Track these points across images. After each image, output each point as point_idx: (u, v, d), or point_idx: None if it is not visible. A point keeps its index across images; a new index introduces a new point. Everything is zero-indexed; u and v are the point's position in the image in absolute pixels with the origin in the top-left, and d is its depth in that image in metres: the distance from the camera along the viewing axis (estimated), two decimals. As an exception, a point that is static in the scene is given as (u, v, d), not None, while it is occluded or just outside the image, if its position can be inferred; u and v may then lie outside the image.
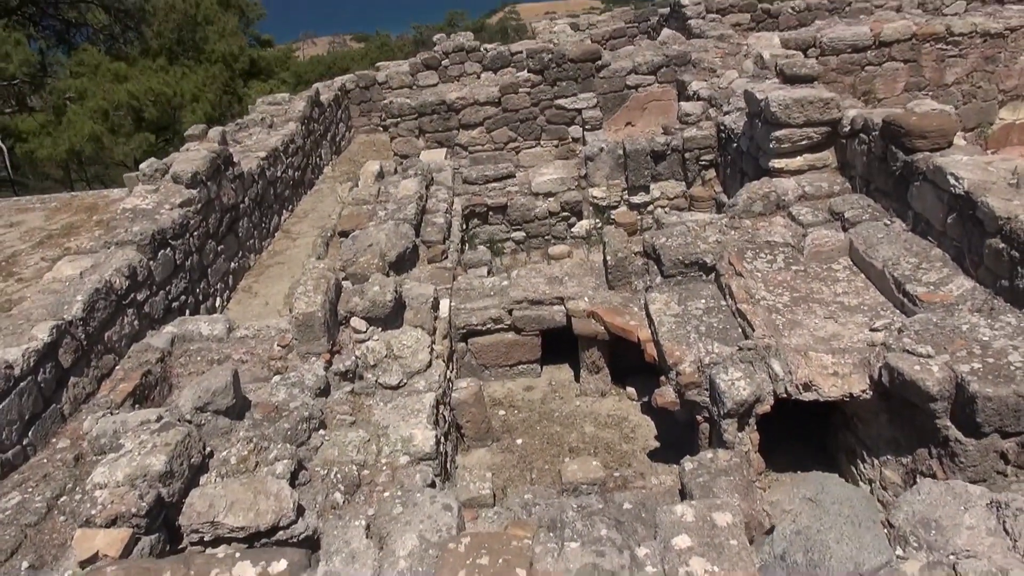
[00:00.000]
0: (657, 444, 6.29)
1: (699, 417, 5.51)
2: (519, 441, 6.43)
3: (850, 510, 2.42)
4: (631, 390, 6.88)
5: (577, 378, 7.13)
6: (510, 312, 7.02)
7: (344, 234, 7.90)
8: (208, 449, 4.73)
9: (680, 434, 6.19)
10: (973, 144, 10.69)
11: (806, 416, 5.80)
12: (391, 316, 6.26)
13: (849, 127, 7.05)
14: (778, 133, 7.26)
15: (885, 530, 2.88)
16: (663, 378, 5.73)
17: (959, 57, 10.52)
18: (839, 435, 5.67)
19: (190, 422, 4.85)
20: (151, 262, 6.65)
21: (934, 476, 4.70)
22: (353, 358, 5.98)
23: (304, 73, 24.51)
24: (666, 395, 5.61)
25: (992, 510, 2.22)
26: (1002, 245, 5.05)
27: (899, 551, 2.57)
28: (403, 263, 7.45)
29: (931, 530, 2.12)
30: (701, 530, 3.25)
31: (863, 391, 4.97)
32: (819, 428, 5.95)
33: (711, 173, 9.36)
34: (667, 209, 9.53)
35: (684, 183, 9.49)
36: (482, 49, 14.20)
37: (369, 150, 13.88)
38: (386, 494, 4.95)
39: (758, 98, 7.57)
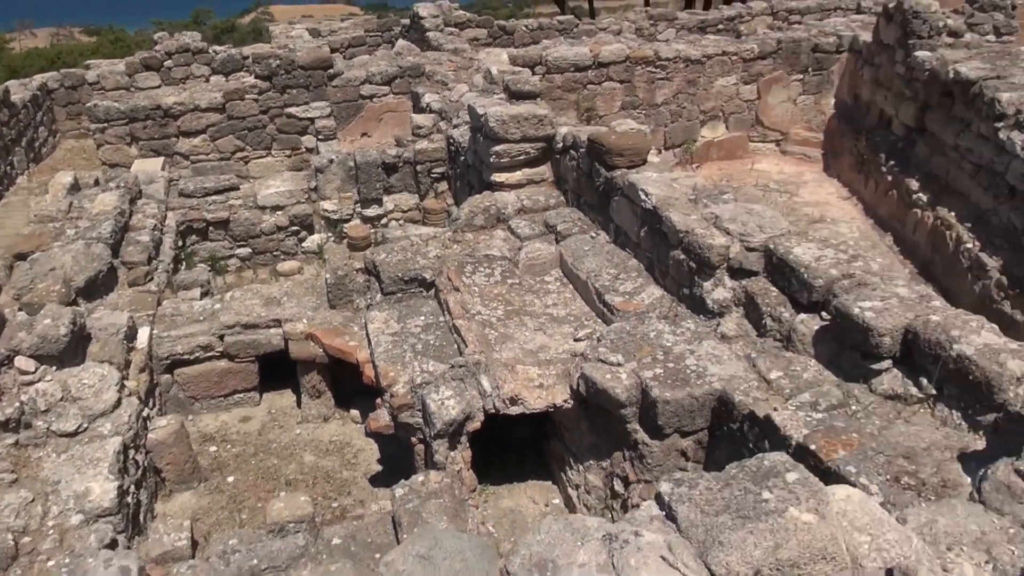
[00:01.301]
0: (380, 468, 6.08)
1: (414, 439, 5.39)
2: (230, 479, 5.92)
3: (462, 563, 2.35)
4: (355, 413, 6.62)
5: (299, 404, 6.74)
6: (221, 338, 6.46)
7: (22, 257, 6.85)
8: None
9: (404, 455, 6.04)
10: (673, 160, 11.73)
11: (532, 426, 5.91)
12: (69, 351, 5.47)
13: (561, 143, 7.34)
14: (497, 148, 7.39)
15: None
16: (379, 400, 5.54)
17: (666, 80, 11.50)
18: (550, 444, 5.83)
19: None
20: None
21: (627, 478, 4.95)
22: (17, 404, 5.13)
23: (21, 67, 21.53)
24: (380, 419, 5.42)
25: (605, 543, 2.25)
26: (682, 256, 5.46)
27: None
28: (95, 288, 6.60)
29: (547, 571, 2.09)
30: None
31: (565, 401, 5.12)
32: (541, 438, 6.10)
33: (443, 186, 9.39)
34: (401, 222, 9.42)
35: (418, 195, 9.43)
36: (211, 51, 13.25)
37: (78, 157, 12.37)
38: (50, 563, 4.28)
39: (479, 113, 7.67)
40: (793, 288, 4.88)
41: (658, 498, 2.84)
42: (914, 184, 9.39)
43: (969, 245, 8.07)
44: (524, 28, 14.48)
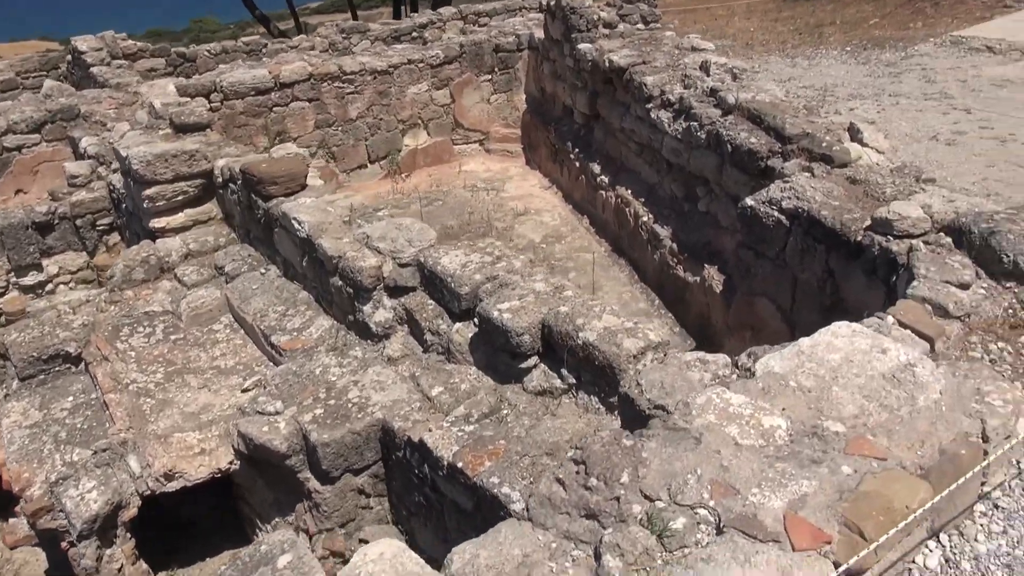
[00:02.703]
0: (47, 581, 5.23)
1: (64, 544, 4.65)
2: None
3: None
4: (14, 522, 5.66)
5: (-61, 527, 5.64)
6: None
7: None
8: None
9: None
10: (381, 172, 11.55)
11: (221, 490, 5.36)
12: None
13: (220, 177, 6.81)
14: (149, 192, 6.69)
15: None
16: (17, 508, 4.73)
17: (357, 93, 11.27)
18: (240, 506, 5.35)
19: None
20: None
21: (308, 531, 4.62)
22: None
23: None
24: (17, 530, 4.65)
25: None
26: (340, 282, 5.21)
27: None
28: None
29: None
30: None
31: (231, 463, 4.67)
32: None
33: (115, 238, 8.44)
34: (72, 284, 8.35)
35: (86, 253, 8.39)
36: None
37: None
38: None
39: (123, 155, 6.91)
40: (446, 299, 4.81)
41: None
42: (596, 167, 9.96)
43: (645, 219, 8.66)
44: (207, 53, 13.56)
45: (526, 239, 9.92)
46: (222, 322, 5.96)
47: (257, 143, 10.73)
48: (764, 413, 2.40)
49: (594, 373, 3.99)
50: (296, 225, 5.53)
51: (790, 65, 11.22)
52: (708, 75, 8.26)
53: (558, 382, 4.19)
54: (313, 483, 4.43)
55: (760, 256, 6.02)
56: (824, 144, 6.06)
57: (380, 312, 5.01)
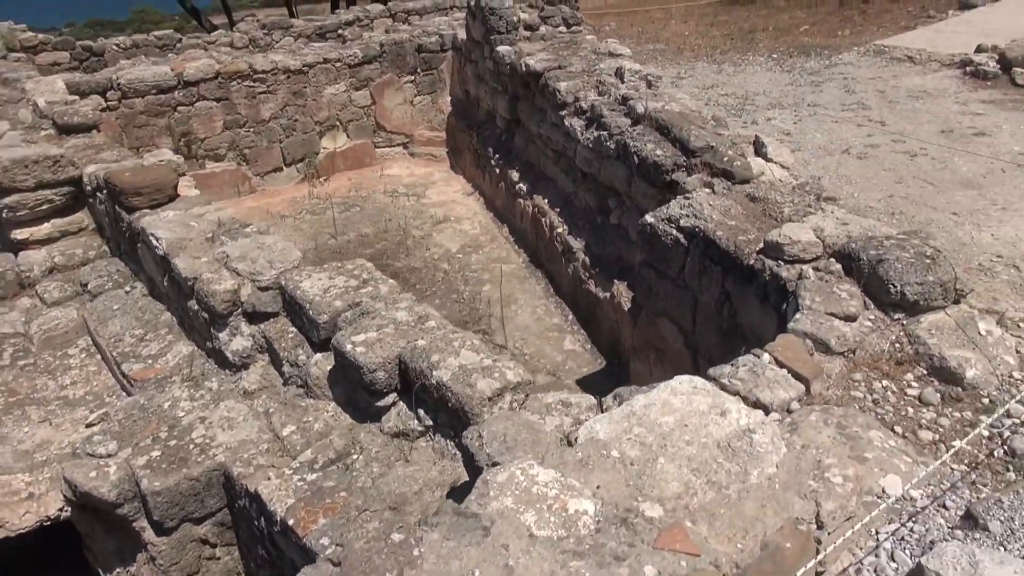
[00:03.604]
0: None
1: None
2: None
3: None
4: None
5: None
6: None
7: None
8: None
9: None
10: (298, 176, 11.04)
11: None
12: None
13: (90, 186, 6.29)
14: (8, 200, 6.14)
15: None
16: None
17: (269, 93, 10.75)
18: (85, 552, 4.87)
19: None
20: None
21: (145, 587, 4.19)
22: None
23: None
24: None
25: None
26: (196, 306, 4.77)
27: None
28: None
29: None
30: None
31: (61, 510, 4.21)
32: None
33: (14, 238, 7.81)
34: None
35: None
36: None
37: None
38: None
39: (-19, 160, 6.32)
40: (306, 327, 4.41)
41: None
42: (515, 175, 9.63)
43: (560, 230, 8.35)
44: (115, 48, 12.84)
45: (443, 248, 9.55)
46: (79, 345, 5.46)
47: (159, 144, 10.15)
48: (572, 494, 2.08)
49: (450, 415, 3.64)
50: (154, 241, 5.07)
51: (716, 71, 11.04)
52: (623, 82, 7.98)
53: (415, 423, 3.83)
54: (148, 534, 4.00)
55: (661, 275, 5.75)
56: (726, 159, 5.80)
57: (238, 340, 4.59)
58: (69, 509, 4.19)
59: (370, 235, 9.87)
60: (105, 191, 5.87)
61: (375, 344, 3.87)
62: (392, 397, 3.93)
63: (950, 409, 3.55)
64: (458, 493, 3.33)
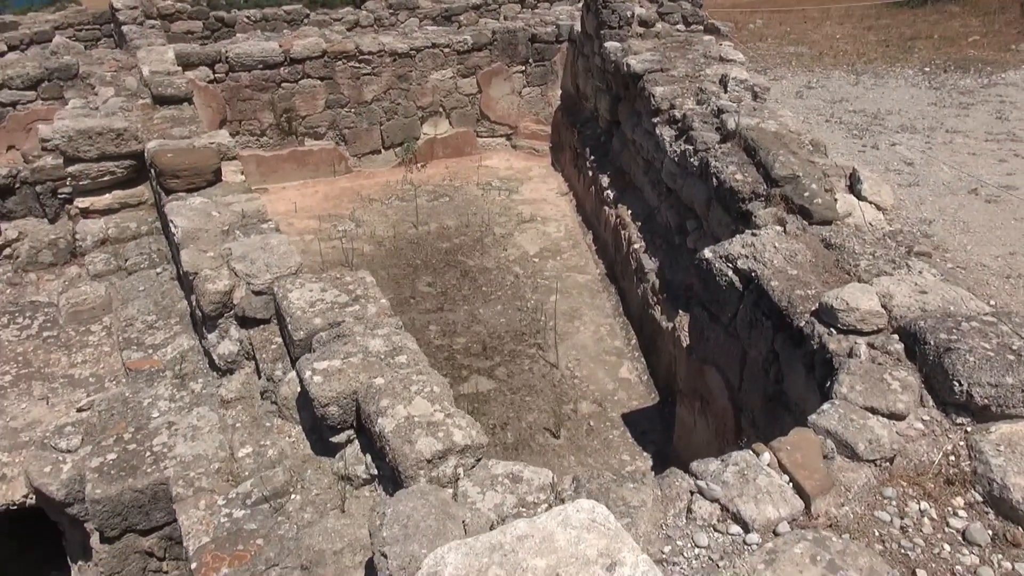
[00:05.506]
0: None
1: None
2: None
3: None
4: None
5: None
6: None
7: None
8: None
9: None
10: (396, 160, 10.87)
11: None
12: None
13: (149, 161, 6.29)
14: (71, 169, 6.27)
15: None
16: None
17: (374, 75, 10.64)
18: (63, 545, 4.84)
19: None
20: None
21: (90, 590, 4.05)
22: None
23: None
24: None
25: None
26: (195, 302, 4.58)
27: None
28: None
29: None
30: None
31: (26, 496, 4.15)
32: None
33: (76, 207, 8.11)
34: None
35: (47, 220, 8.11)
36: None
37: None
38: None
39: (53, 128, 6.49)
40: (287, 340, 4.11)
41: None
42: (605, 180, 9.00)
43: (637, 245, 7.68)
44: (246, 20, 13.22)
45: (520, 250, 9.10)
46: (103, 323, 5.46)
47: (262, 119, 10.31)
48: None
49: (389, 470, 3.22)
50: (172, 228, 4.94)
51: (852, 83, 9.86)
52: (725, 91, 7.19)
53: (361, 469, 3.43)
54: (94, 538, 3.85)
55: (714, 319, 5.04)
56: (807, 193, 5.00)
57: (225, 344, 4.36)
58: (33, 497, 4.13)
59: (451, 228, 9.57)
60: (151, 169, 5.84)
61: (334, 375, 3.50)
62: (348, 434, 3.55)
63: (999, 556, 2.77)
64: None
